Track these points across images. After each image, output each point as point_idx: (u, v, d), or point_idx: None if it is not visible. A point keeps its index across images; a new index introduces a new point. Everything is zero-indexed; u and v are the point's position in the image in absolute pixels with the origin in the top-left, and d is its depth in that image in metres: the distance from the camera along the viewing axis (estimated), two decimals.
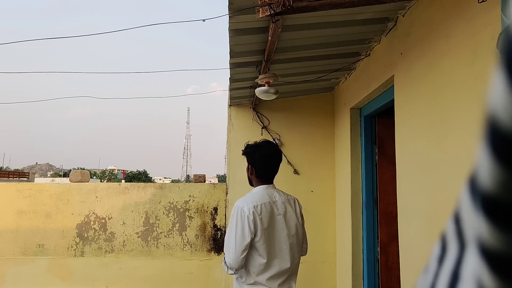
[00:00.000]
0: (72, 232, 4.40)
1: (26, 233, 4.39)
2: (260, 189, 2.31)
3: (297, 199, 2.41)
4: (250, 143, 2.42)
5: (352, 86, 3.72)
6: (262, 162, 2.32)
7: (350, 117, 3.76)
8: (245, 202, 2.21)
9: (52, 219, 4.41)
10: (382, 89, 3.02)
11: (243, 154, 2.41)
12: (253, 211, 2.16)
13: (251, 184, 2.42)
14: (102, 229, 4.41)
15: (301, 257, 2.40)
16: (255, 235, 2.15)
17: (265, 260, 2.17)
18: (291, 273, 2.27)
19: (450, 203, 1.86)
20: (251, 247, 2.16)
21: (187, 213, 4.40)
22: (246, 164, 2.36)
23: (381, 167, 3.54)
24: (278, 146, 2.42)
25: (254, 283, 2.20)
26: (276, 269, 2.21)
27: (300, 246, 2.34)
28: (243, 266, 2.19)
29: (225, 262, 2.24)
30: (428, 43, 2.20)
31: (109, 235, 4.39)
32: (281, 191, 2.38)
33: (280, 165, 2.41)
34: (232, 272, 2.21)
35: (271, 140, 4.19)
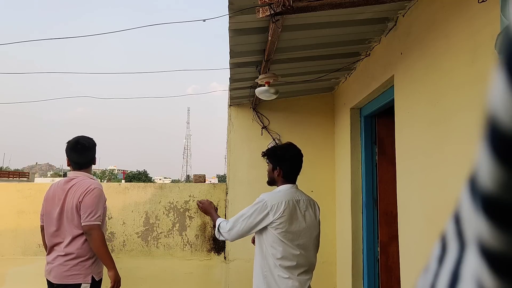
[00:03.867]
0: None
1: (26, 233, 4.38)
2: (285, 187, 2.46)
3: (316, 202, 2.56)
4: (273, 145, 2.61)
5: (352, 86, 3.72)
6: (290, 163, 2.49)
7: (350, 117, 3.76)
8: (270, 197, 2.39)
9: None
10: (382, 89, 3.02)
11: (265, 156, 2.57)
12: (272, 205, 2.33)
13: (271, 184, 2.57)
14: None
15: None
16: (275, 228, 2.32)
17: (286, 253, 2.33)
18: (308, 268, 2.43)
19: (450, 203, 1.86)
20: (273, 238, 2.33)
21: (187, 213, 4.40)
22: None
23: (381, 167, 3.54)
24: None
25: (276, 272, 2.35)
26: (299, 261, 2.36)
27: (316, 245, 2.50)
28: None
29: (219, 229, 2.46)
30: (428, 43, 2.20)
31: (109, 235, 4.39)
32: (303, 192, 2.52)
33: None
34: (223, 238, 2.47)
35: (271, 140, 4.20)
